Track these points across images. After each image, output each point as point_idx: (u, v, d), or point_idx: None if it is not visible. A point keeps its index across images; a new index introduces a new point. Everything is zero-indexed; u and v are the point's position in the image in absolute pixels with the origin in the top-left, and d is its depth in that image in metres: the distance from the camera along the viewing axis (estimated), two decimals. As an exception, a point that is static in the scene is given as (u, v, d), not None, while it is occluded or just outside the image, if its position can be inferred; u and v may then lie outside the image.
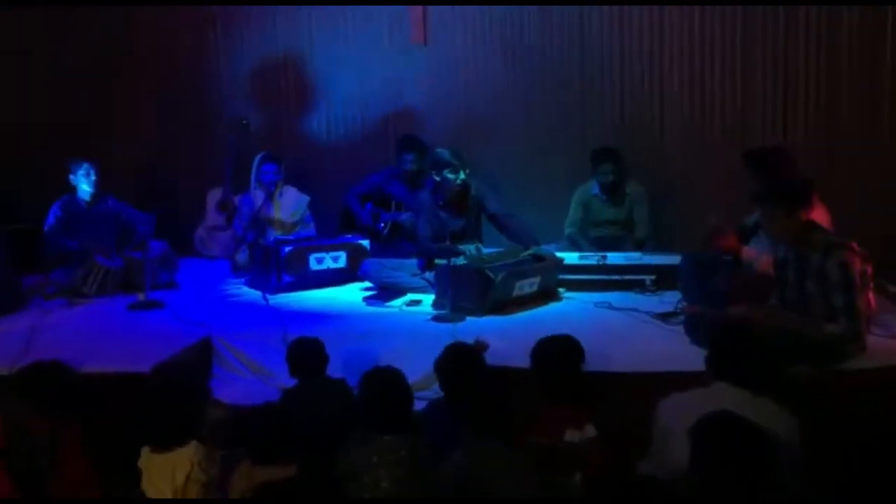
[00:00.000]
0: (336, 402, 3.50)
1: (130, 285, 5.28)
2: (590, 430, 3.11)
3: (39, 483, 3.07)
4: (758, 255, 4.23)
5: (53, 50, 6.60)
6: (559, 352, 3.32)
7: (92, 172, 5.51)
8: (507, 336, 4.13)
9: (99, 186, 5.55)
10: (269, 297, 5.09)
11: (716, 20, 5.78)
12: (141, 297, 5.05)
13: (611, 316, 4.62)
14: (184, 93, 6.71)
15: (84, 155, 5.69)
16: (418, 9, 6.24)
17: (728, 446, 2.38)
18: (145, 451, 3.09)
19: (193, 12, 6.60)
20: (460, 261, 4.72)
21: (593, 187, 5.68)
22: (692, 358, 3.50)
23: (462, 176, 5.14)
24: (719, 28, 5.79)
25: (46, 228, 5.49)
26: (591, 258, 5.19)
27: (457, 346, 3.57)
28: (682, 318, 4.31)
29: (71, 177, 5.53)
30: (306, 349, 3.68)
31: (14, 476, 3.07)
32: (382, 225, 5.81)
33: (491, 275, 4.59)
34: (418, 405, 3.37)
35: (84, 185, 5.52)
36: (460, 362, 3.43)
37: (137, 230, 5.39)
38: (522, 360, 3.49)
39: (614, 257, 5.21)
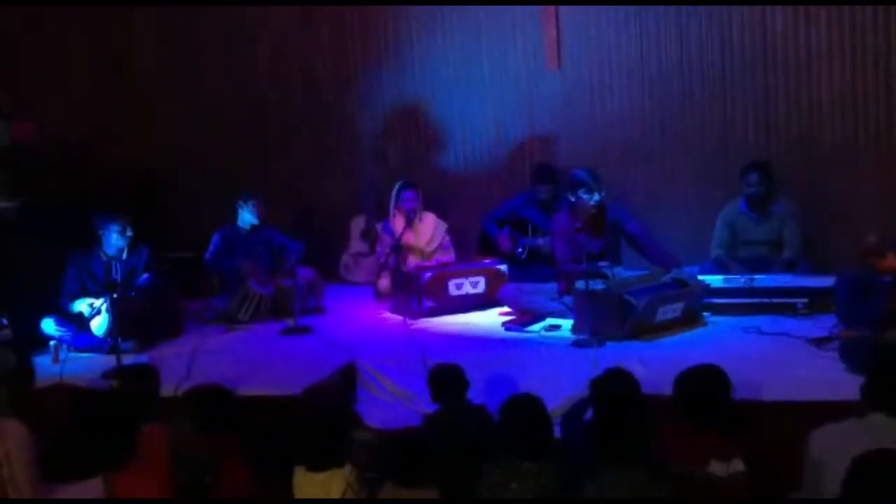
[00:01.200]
0: (476, 428, 3.54)
1: (281, 311, 5.56)
2: (736, 464, 3.00)
3: (203, 496, 3.28)
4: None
5: (209, 85, 7.03)
6: (705, 382, 3.22)
7: (257, 206, 5.84)
8: (649, 362, 4.05)
9: (263, 217, 5.88)
10: (410, 322, 5.22)
11: (867, 26, 5.49)
12: (291, 322, 5.30)
13: (760, 341, 4.44)
14: (329, 121, 6.98)
15: (243, 184, 6.09)
16: (552, 35, 6.26)
17: (888, 488, 2.23)
18: (300, 470, 3.25)
19: (338, 46, 6.89)
20: (599, 285, 4.67)
21: (740, 205, 5.48)
22: (848, 386, 3.32)
23: (597, 197, 5.10)
24: (871, 35, 5.49)
25: (208, 256, 5.86)
26: (738, 281, 5.01)
27: (618, 370, 3.48)
28: (837, 343, 4.09)
29: (238, 203, 5.88)
30: (447, 375, 3.75)
31: (180, 489, 3.30)
32: (520, 250, 5.84)
33: (632, 300, 4.52)
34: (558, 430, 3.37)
35: (248, 216, 5.87)
36: (620, 387, 3.36)
37: (288, 257, 5.67)
38: (663, 388, 3.41)
39: (763, 279, 5.00)
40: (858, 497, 2.27)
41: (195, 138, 7.03)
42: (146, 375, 3.88)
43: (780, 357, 4.17)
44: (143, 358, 4.83)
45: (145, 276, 5.40)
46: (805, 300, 4.80)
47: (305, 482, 3.25)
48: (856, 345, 3.81)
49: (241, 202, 5.88)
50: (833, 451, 2.63)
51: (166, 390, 4.24)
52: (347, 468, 3.22)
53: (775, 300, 4.84)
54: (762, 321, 4.67)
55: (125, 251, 5.36)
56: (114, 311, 4.72)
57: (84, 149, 6.29)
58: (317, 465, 3.25)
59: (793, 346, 4.30)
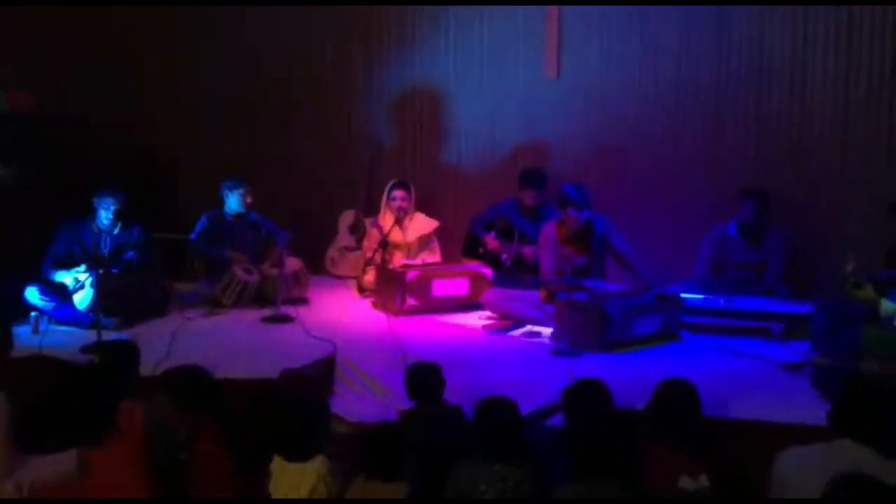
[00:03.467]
0: (450, 428, 3.58)
1: (265, 298, 5.59)
2: (703, 480, 3.06)
3: (177, 474, 3.31)
4: (896, 309, 4.04)
5: (207, 72, 7.05)
6: (678, 397, 3.28)
7: (242, 194, 5.87)
8: (624, 375, 4.10)
9: (248, 205, 5.90)
10: (391, 319, 5.26)
11: (864, 45, 5.58)
12: (273, 310, 5.32)
13: (734, 361, 4.50)
14: (325, 116, 7.00)
15: (240, 171, 6.13)
16: (553, 41, 6.32)
17: None
18: (278, 459, 3.29)
19: (340, 41, 6.91)
20: (580, 296, 4.73)
21: (730, 227, 5.54)
22: (816, 411, 3.38)
23: (585, 214, 5.16)
24: (867, 53, 5.58)
25: (192, 236, 5.89)
26: (717, 300, 5.08)
27: (591, 381, 3.54)
28: (810, 369, 4.16)
29: (222, 192, 5.91)
30: (425, 373, 3.79)
31: (155, 466, 3.33)
32: (506, 256, 5.89)
33: (609, 311, 4.58)
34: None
35: (233, 203, 5.88)
36: (591, 398, 3.43)
37: (276, 245, 5.69)
38: (636, 401, 3.47)
39: (741, 301, 5.07)
40: None
41: (196, 121, 7.04)
42: (126, 352, 3.90)
43: (752, 378, 4.22)
44: (123, 335, 4.85)
45: (131, 253, 5.42)
46: (782, 325, 4.86)
47: (280, 471, 3.28)
48: (828, 372, 3.87)
49: (225, 189, 5.90)
50: (798, 472, 2.69)
51: (145, 369, 4.26)
52: (320, 460, 3.25)
53: (752, 323, 4.91)
54: (738, 342, 4.74)
55: (117, 226, 5.40)
56: (98, 286, 4.73)
57: (83, 124, 6.29)
58: (292, 456, 3.28)
59: (766, 368, 4.36)
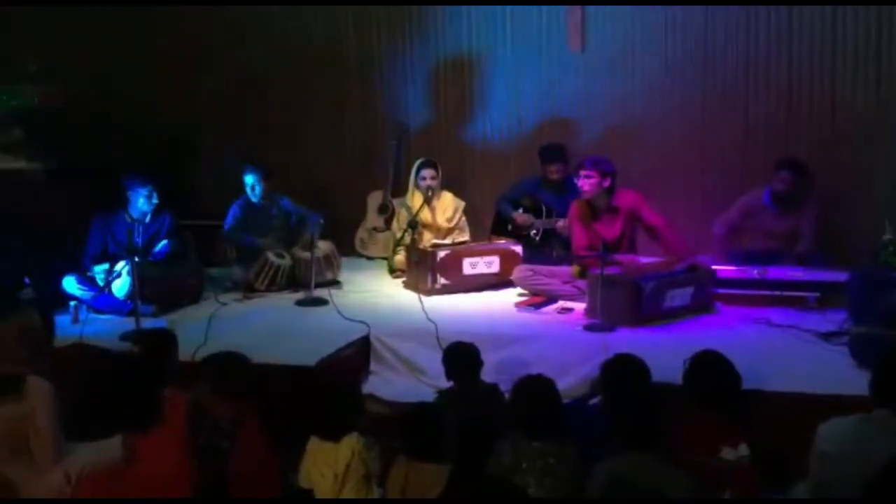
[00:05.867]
0: (488, 406, 3.61)
1: (297, 281, 5.63)
2: (742, 450, 3.07)
3: (219, 461, 3.36)
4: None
5: (231, 55, 7.06)
6: (714, 370, 3.29)
7: (257, 184, 5.84)
8: (658, 349, 4.10)
9: (265, 193, 5.88)
10: (423, 299, 5.29)
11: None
12: (307, 293, 5.37)
13: (769, 332, 4.49)
14: (350, 96, 7.01)
15: (263, 156, 6.15)
16: (577, 15, 6.26)
17: None
18: (314, 439, 3.34)
19: (360, 21, 6.89)
20: (613, 271, 4.72)
21: (764, 196, 5.48)
22: (856, 381, 3.37)
23: (593, 180, 5.11)
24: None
25: (226, 227, 5.93)
26: (750, 271, 5.04)
27: (628, 356, 3.55)
28: (847, 338, 4.14)
29: (242, 177, 5.93)
30: (462, 353, 3.81)
31: (197, 453, 3.38)
32: (535, 231, 5.88)
33: (642, 285, 4.57)
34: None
35: (250, 194, 5.90)
36: (629, 372, 3.44)
37: (307, 228, 5.73)
38: (671, 375, 3.47)
39: (775, 271, 5.04)
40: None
41: (218, 109, 7.06)
42: (164, 340, 3.96)
43: (789, 349, 4.22)
44: (161, 322, 4.93)
45: (165, 242, 5.49)
46: (816, 294, 4.83)
47: (316, 450, 3.34)
48: (865, 340, 3.85)
49: (243, 175, 5.89)
50: (838, 444, 2.69)
51: (184, 355, 4.32)
52: (355, 437, 3.29)
53: (787, 293, 4.88)
54: (772, 313, 4.72)
55: (149, 215, 5.46)
56: (134, 274, 4.80)
57: (106, 116, 6.34)
58: (328, 435, 3.33)
59: (802, 339, 4.34)
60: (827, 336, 4.29)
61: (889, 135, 5.63)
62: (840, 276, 4.71)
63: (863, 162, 5.72)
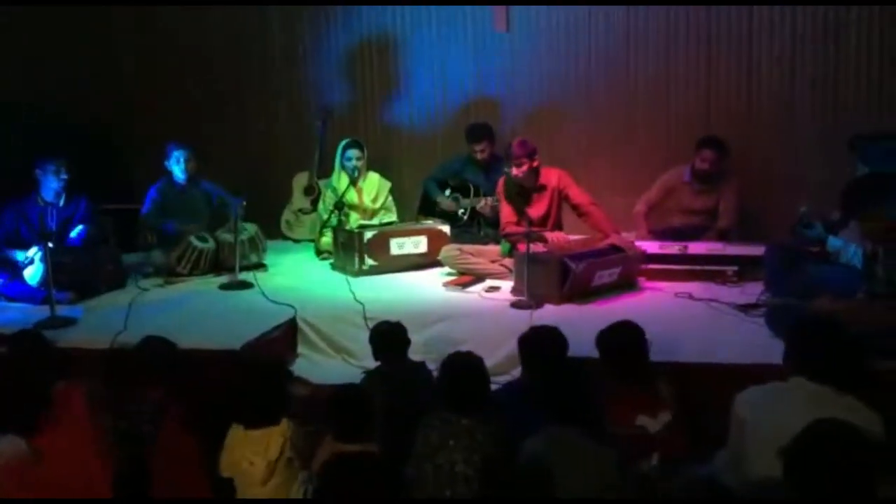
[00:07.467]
0: (416, 385, 3.61)
1: (221, 265, 5.51)
2: (664, 417, 3.14)
3: (142, 446, 3.26)
4: (844, 246, 4.15)
5: (160, 40, 6.90)
6: (622, 338, 3.38)
7: (183, 159, 5.68)
8: (584, 324, 4.15)
9: (193, 172, 5.74)
10: (351, 280, 5.24)
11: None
12: (231, 277, 5.26)
13: (690, 306, 4.58)
14: (276, 80, 6.90)
15: (195, 138, 5.99)
16: (501, -5, 6.28)
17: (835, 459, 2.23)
18: (237, 429, 3.26)
19: (285, 4, 6.77)
20: (539, 249, 4.75)
21: (685, 173, 5.59)
22: (772, 351, 3.47)
23: (524, 168, 5.14)
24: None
25: (143, 212, 5.74)
26: (672, 247, 5.15)
27: (544, 328, 3.59)
28: (764, 310, 4.26)
29: (166, 162, 5.76)
30: (389, 332, 3.79)
31: (117, 439, 3.27)
32: (462, 211, 5.89)
33: (570, 264, 4.61)
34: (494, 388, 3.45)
35: (177, 171, 5.74)
36: (545, 343, 3.48)
37: (230, 212, 5.59)
38: (596, 350, 3.52)
39: (696, 247, 5.15)
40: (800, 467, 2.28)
41: (148, 91, 6.93)
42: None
43: (709, 321, 4.32)
44: (77, 310, 4.77)
45: (81, 227, 5.29)
46: (735, 268, 4.96)
47: (242, 440, 3.26)
48: (781, 311, 3.97)
49: (166, 159, 5.71)
50: (755, 411, 2.76)
51: (103, 342, 4.20)
52: (285, 423, 3.25)
53: (707, 267, 5.00)
54: (694, 287, 4.82)
55: (62, 197, 5.25)
56: (47, 259, 4.61)
57: (38, 108, 6.10)
58: (254, 423, 3.26)
59: (721, 311, 4.45)
60: (745, 308, 4.40)
61: (804, 111, 5.80)
62: (758, 250, 4.85)
63: (780, 138, 5.88)
